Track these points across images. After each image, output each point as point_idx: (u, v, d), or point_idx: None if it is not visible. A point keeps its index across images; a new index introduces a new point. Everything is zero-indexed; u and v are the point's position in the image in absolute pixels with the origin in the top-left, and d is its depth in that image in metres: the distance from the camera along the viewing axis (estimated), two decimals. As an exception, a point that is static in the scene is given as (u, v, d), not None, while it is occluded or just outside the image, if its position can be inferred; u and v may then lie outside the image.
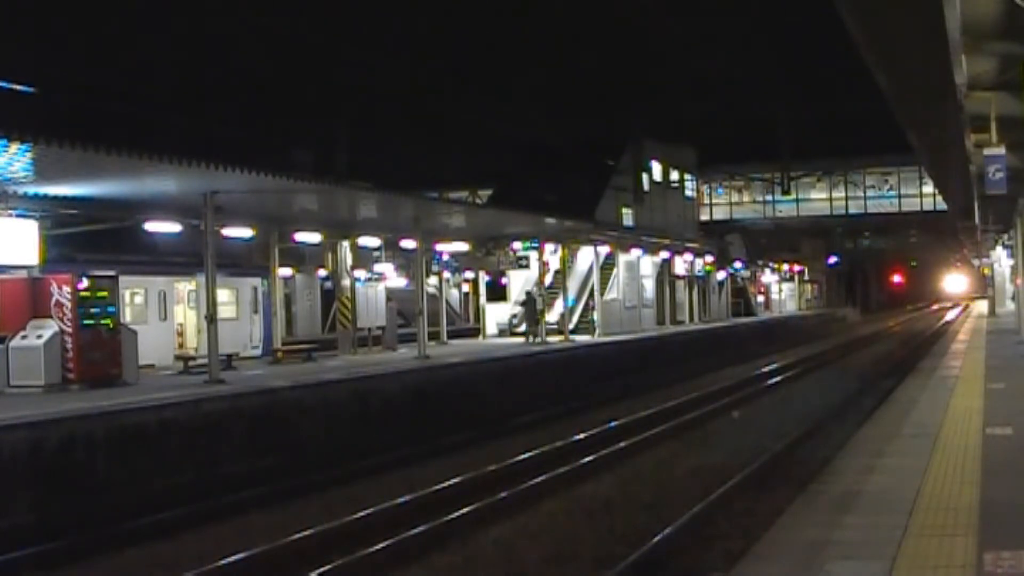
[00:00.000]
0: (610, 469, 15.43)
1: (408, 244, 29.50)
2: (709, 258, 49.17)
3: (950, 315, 71.98)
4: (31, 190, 17.95)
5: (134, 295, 25.22)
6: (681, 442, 17.95)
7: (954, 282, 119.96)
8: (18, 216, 18.25)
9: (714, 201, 61.71)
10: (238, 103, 48.96)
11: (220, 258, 21.00)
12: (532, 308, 32.50)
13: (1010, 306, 47.74)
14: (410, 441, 18.38)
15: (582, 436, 18.14)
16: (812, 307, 75.70)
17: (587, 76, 59.61)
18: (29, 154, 14.89)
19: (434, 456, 17.14)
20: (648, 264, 41.26)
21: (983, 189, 19.07)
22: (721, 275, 52.89)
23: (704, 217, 59.48)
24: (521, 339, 33.87)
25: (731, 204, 61.95)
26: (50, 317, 18.10)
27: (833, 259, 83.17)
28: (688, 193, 53.71)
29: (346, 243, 28.81)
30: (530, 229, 31.32)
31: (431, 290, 36.03)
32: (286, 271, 36.67)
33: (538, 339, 31.41)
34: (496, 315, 36.57)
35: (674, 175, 51.34)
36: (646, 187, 46.77)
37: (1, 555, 10.97)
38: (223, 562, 10.29)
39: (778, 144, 55.47)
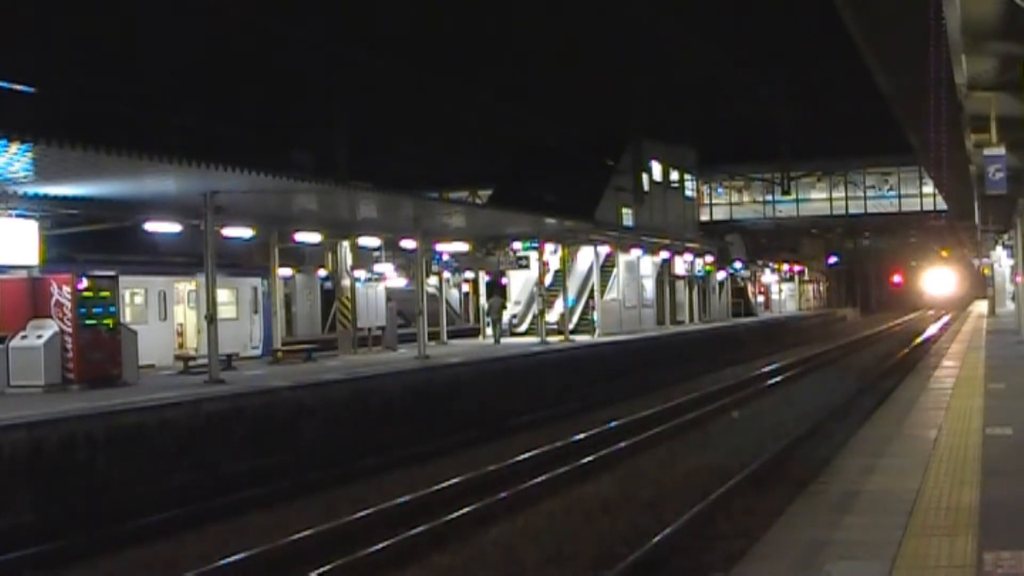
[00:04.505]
0: (610, 469, 15.43)
1: (408, 244, 29.51)
2: (709, 258, 49.17)
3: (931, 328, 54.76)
4: (31, 190, 17.95)
5: (134, 295, 25.22)
6: (681, 442, 17.95)
7: (942, 281, 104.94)
8: (18, 216, 18.25)
9: (714, 201, 61.73)
10: (238, 103, 48.98)
11: (220, 258, 21.01)
12: (497, 311, 33.35)
13: (1010, 306, 47.72)
14: (410, 441, 18.38)
15: (582, 436, 18.14)
16: (812, 307, 75.71)
17: (587, 76, 59.62)
18: (29, 154, 14.89)
19: (434, 456, 17.13)
20: (648, 264, 41.26)
21: (983, 189, 19.08)
22: (721, 275, 52.89)
23: (704, 217, 59.50)
24: (522, 339, 33.98)
25: (731, 204, 61.98)
26: (50, 317, 18.10)
27: (833, 259, 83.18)
28: (688, 193, 53.73)
29: (346, 243, 28.82)
30: (530, 229, 31.33)
31: (431, 290, 36.04)
32: (286, 271, 36.68)
33: (499, 341, 32.24)
34: (496, 315, 36.61)
35: (674, 175, 51.36)
36: (646, 187, 46.78)
37: (1, 555, 10.98)
38: (223, 562, 10.30)
39: (778, 144, 55.47)
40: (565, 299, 35.01)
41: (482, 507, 12.52)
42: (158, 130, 34.78)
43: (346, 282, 29.29)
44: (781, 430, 18.27)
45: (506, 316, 35.78)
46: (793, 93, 55.77)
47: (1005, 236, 41.23)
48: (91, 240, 24.94)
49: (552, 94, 59.97)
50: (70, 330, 18.02)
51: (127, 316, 22.82)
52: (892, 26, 14.45)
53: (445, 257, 33.14)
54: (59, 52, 41.38)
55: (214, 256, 19.47)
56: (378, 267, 33.68)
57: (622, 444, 17.30)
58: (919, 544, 6.90)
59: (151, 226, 22.03)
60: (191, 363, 22.00)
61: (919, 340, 44.04)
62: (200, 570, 10.06)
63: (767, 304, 64.60)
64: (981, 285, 72.11)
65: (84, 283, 18.39)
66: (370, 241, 29.57)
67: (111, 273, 19.41)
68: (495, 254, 32.81)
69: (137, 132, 30.97)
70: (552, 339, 31.96)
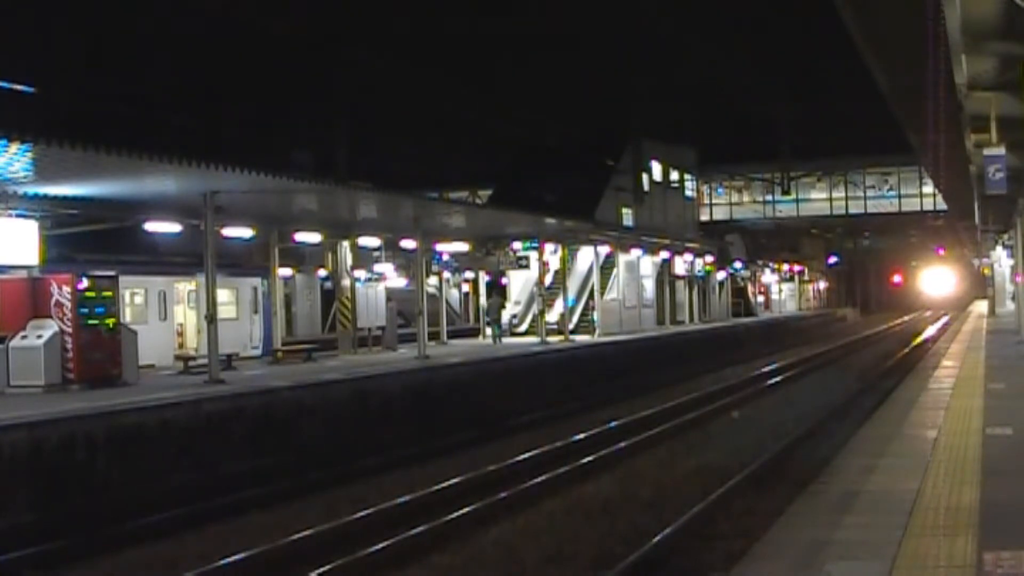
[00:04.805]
0: (610, 469, 15.43)
1: (408, 244, 29.50)
2: (709, 258, 49.18)
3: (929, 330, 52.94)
4: (31, 190, 17.95)
5: (134, 295, 25.21)
6: (681, 442, 17.95)
7: (942, 281, 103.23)
8: (18, 216, 18.26)
9: (714, 201, 61.71)
10: (238, 103, 48.94)
11: (220, 258, 21.01)
12: (496, 311, 33.52)
13: (1010, 306, 47.72)
14: (410, 441, 18.38)
15: (582, 436, 18.14)
16: (812, 307, 75.69)
17: (587, 76, 59.56)
18: (29, 154, 14.89)
19: (434, 456, 17.13)
20: (648, 264, 41.26)
21: (983, 189, 19.08)
22: (721, 275, 52.89)
23: (704, 217, 59.49)
24: (522, 339, 33.99)
25: (731, 204, 61.96)
26: (50, 317, 18.10)
27: (833, 259, 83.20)
28: (688, 193, 53.72)
29: (346, 243, 28.81)
30: (530, 229, 31.34)
31: (431, 290, 36.04)
32: (286, 271, 36.67)
33: (499, 340, 32.41)
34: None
35: (674, 175, 51.35)
36: (646, 187, 46.78)
37: (1, 555, 10.98)
38: (223, 562, 10.30)
39: (778, 144, 55.46)
40: (565, 299, 35.02)
41: (482, 507, 12.52)
42: (158, 130, 34.79)
43: (346, 282, 29.28)
44: (781, 430, 18.27)
45: (506, 316, 35.80)
46: (793, 93, 55.79)
47: (1005, 236, 41.23)
48: (91, 240, 24.94)
49: (552, 94, 59.93)
50: (70, 330, 18.02)
51: (127, 316, 22.81)
52: (892, 26, 14.45)
53: (445, 257, 33.16)
54: (59, 52, 41.38)
55: (214, 256, 19.47)
56: (378, 267, 33.67)
57: (622, 444, 17.30)
58: (919, 544, 6.90)
59: (151, 226, 22.02)
60: (191, 363, 21.99)
61: (919, 340, 44.04)
62: (200, 570, 10.07)
63: (767, 304, 64.61)
64: (981, 285, 72.05)
65: (84, 283, 18.39)
66: (370, 241, 29.57)
67: (111, 273, 19.41)
68: (495, 254, 32.82)
69: (137, 132, 30.95)
70: (552, 339, 31.97)
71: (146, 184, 18.54)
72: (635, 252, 39.02)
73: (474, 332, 38.57)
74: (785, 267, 68.81)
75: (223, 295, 25.38)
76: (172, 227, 22.15)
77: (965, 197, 34.07)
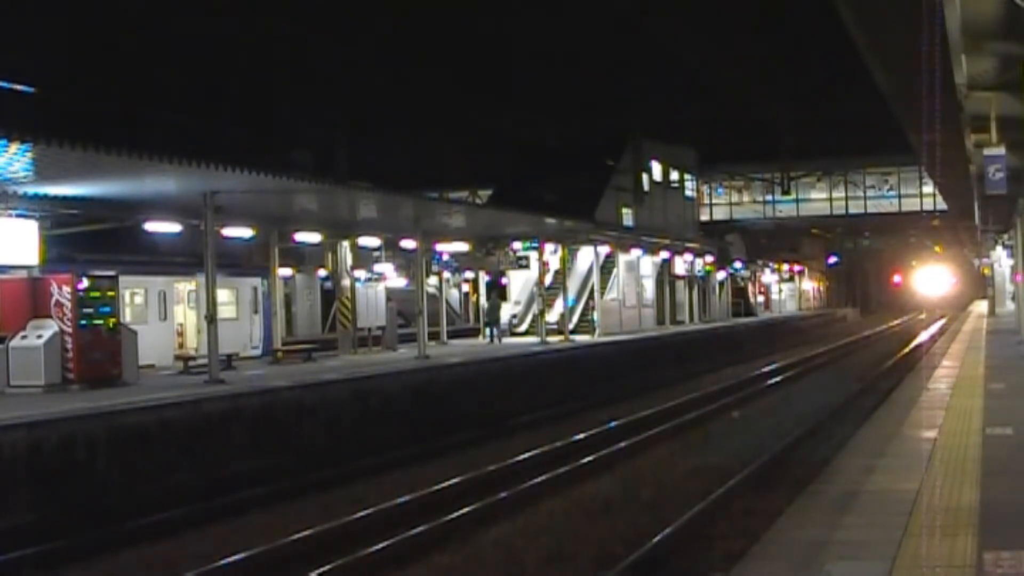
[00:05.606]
0: (610, 469, 15.43)
1: (408, 244, 29.50)
2: (709, 258, 49.18)
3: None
4: (31, 190, 17.95)
5: (134, 295, 25.21)
6: (681, 442, 17.95)
7: (942, 281, 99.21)
8: (18, 216, 18.25)
9: (714, 201, 61.66)
10: (238, 103, 48.96)
11: (220, 258, 21.01)
12: (496, 311, 33.68)
13: (1010, 306, 47.70)
14: (410, 441, 18.38)
15: (582, 436, 18.14)
16: (812, 307, 75.69)
17: (587, 76, 59.59)
18: (29, 154, 14.89)
19: (434, 456, 17.14)
20: (648, 264, 41.26)
21: (983, 189, 19.07)
22: (721, 275, 52.89)
23: (704, 217, 59.42)
24: (522, 339, 33.97)
25: (731, 204, 61.91)
26: (50, 317, 18.10)
27: (833, 259, 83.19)
28: (688, 193, 53.70)
29: (346, 243, 28.81)
30: (530, 229, 31.33)
31: (431, 290, 36.04)
32: (286, 271, 36.67)
33: (497, 341, 32.54)
34: (496, 315, 36.59)
35: (674, 175, 51.33)
36: (646, 187, 46.76)
37: (1, 555, 10.98)
38: (223, 562, 10.30)
39: (778, 144, 55.43)
40: (565, 299, 35.02)
41: (482, 507, 12.52)
42: (158, 130, 34.80)
43: (346, 282, 29.27)
44: (781, 430, 18.26)
45: (506, 316, 35.78)
46: (793, 93, 55.78)
47: (1005, 236, 41.22)
48: (91, 240, 24.93)
49: (552, 94, 59.94)
50: (70, 330, 18.02)
51: (127, 316, 22.81)
52: (892, 26, 14.44)
53: (445, 257, 33.15)
54: (59, 52, 41.38)
55: (214, 256, 19.47)
56: (378, 267, 33.66)
57: (622, 444, 17.30)
58: (919, 544, 6.90)
59: (151, 226, 22.02)
60: (191, 363, 21.99)
61: (919, 340, 44.00)
62: (200, 570, 10.07)
63: (767, 304, 64.61)
64: (981, 285, 72.02)
65: (84, 283, 18.39)
66: (370, 241, 29.57)
67: (111, 273, 19.41)
68: (495, 254, 32.81)
69: (137, 132, 30.96)
70: (552, 339, 31.96)
71: (146, 184, 18.55)
72: (635, 252, 39.02)
73: (474, 332, 38.53)
74: (785, 267, 68.81)
75: (223, 295, 25.38)
76: (172, 227, 22.15)
77: (965, 197, 34.07)
